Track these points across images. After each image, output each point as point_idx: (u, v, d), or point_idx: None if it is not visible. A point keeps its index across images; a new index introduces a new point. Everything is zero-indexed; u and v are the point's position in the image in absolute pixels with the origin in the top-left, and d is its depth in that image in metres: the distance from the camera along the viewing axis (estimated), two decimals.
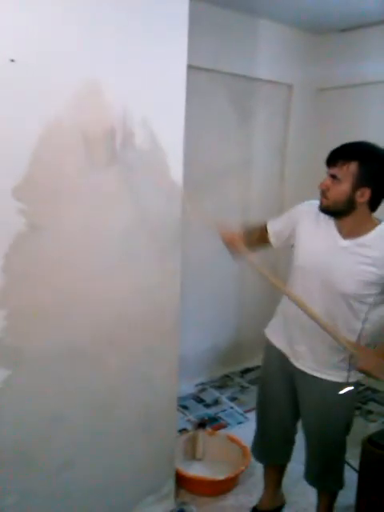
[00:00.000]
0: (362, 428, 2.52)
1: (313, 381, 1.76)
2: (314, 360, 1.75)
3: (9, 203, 1.42)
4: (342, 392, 1.70)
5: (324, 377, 1.74)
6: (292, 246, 1.84)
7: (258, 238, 1.92)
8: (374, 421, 2.89)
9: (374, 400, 3.11)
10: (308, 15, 2.91)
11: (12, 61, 1.34)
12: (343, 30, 3.16)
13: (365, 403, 3.05)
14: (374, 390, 3.17)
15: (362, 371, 1.61)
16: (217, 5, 2.70)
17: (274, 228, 1.91)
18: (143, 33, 1.59)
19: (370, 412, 2.98)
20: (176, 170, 1.78)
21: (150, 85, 1.63)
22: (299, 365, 1.79)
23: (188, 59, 1.71)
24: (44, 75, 1.41)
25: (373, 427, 2.77)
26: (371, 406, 3.05)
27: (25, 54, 1.37)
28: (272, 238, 1.91)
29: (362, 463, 1.77)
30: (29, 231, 1.47)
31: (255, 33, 2.96)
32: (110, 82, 1.53)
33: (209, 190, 2.99)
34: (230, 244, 1.83)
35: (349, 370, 1.70)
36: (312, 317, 1.59)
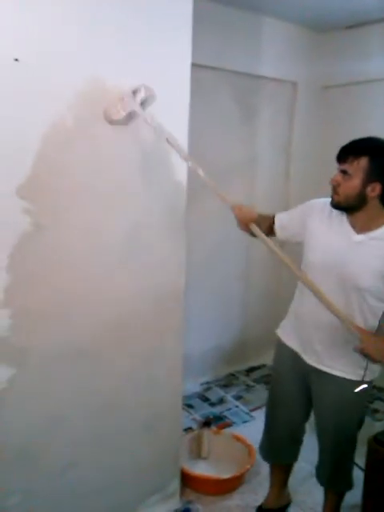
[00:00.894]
0: (368, 427, 2.51)
1: (329, 378, 1.76)
2: (330, 358, 1.75)
3: (13, 202, 1.42)
4: (357, 390, 1.70)
5: (340, 374, 1.74)
6: (299, 242, 1.85)
7: (265, 227, 1.92)
8: (380, 420, 2.88)
9: (380, 399, 3.10)
10: (312, 13, 2.90)
11: (16, 60, 1.35)
12: (348, 28, 3.14)
13: (371, 402, 3.03)
14: (380, 389, 3.16)
15: (362, 353, 1.60)
16: (220, 3, 2.70)
17: (281, 220, 1.93)
18: (147, 32, 1.59)
19: (376, 411, 2.97)
20: (180, 169, 1.77)
21: (153, 83, 1.62)
22: (314, 363, 1.79)
23: (192, 57, 1.71)
24: (46, 75, 1.41)
25: (379, 426, 2.76)
26: (377, 404, 3.04)
27: (27, 54, 1.37)
28: (278, 230, 1.92)
29: (368, 462, 1.76)
30: (33, 230, 1.47)
31: (259, 30, 2.95)
32: (113, 80, 1.53)
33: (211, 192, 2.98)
34: (241, 220, 1.82)
35: (365, 368, 1.69)
36: (320, 297, 1.61)
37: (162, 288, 1.83)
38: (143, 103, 1.56)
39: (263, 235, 1.73)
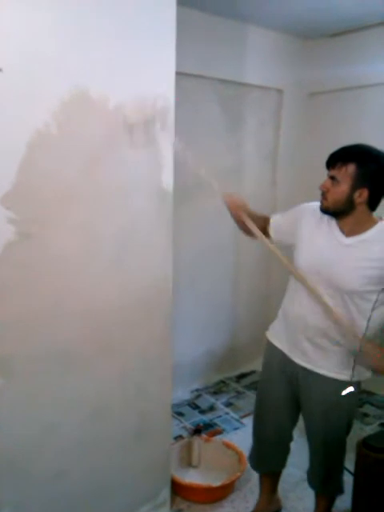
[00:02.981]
0: (357, 431, 2.52)
1: (317, 378, 1.78)
2: (319, 358, 1.76)
3: None
4: (344, 392, 1.73)
5: (329, 374, 1.75)
6: (290, 245, 1.87)
7: (260, 227, 1.93)
8: (369, 424, 2.89)
9: (370, 403, 3.11)
10: (297, 21, 2.93)
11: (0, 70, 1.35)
12: (333, 35, 3.18)
13: (360, 406, 3.05)
14: (370, 393, 3.17)
15: (367, 366, 1.65)
16: (204, 11, 2.72)
17: (276, 222, 1.97)
18: (131, 40, 1.59)
19: (365, 415, 2.98)
20: (167, 175, 1.78)
21: (138, 91, 1.63)
22: (303, 362, 1.80)
23: (177, 66, 1.72)
24: (31, 83, 1.41)
25: (369, 430, 2.77)
26: (367, 408, 3.05)
27: (11, 63, 1.36)
28: (271, 231, 1.96)
29: (357, 466, 1.76)
30: (18, 240, 1.46)
31: (244, 39, 2.98)
32: (97, 89, 1.53)
33: (200, 195, 2.99)
34: (233, 210, 1.89)
35: (353, 369, 1.73)
36: (318, 300, 1.67)
37: (150, 294, 1.83)
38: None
39: (252, 224, 1.79)
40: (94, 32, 1.51)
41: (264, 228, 1.95)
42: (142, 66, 1.64)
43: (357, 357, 1.67)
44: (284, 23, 2.98)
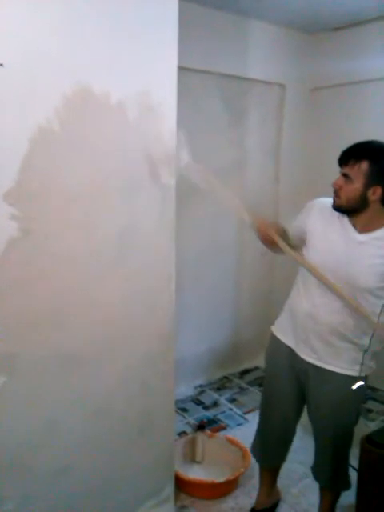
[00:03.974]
0: (362, 427, 2.52)
1: (327, 375, 1.78)
2: (328, 354, 1.76)
3: (0, 209, 1.41)
4: (354, 386, 1.74)
5: (338, 370, 1.75)
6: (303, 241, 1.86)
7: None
8: (373, 419, 2.89)
9: (374, 399, 3.11)
10: (299, 15, 2.91)
11: (0, 65, 1.34)
12: (335, 29, 3.16)
13: (364, 402, 3.04)
14: (374, 389, 3.17)
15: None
16: (206, 6, 2.70)
17: (291, 228, 1.92)
18: (133, 35, 1.58)
19: (369, 411, 2.97)
20: (169, 174, 1.76)
21: (140, 87, 1.63)
22: (312, 359, 1.80)
23: (179, 61, 1.71)
24: (33, 80, 1.40)
25: (373, 426, 2.76)
26: (371, 404, 3.05)
27: (13, 59, 1.36)
28: (292, 235, 1.92)
29: (361, 462, 1.76)
30: (21, 236, 1.46)
31: (246, 33, 2.96)
32: (100, 85, 1.53)
33: (203, 194, 2.98)
34: (263, 234, 1.86)
35: (361, 364, 1.73)
36: (340, 296, 1.67)
37: (153, 292, 1.83)
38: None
39: (283, 242, 1.78)
40: (96, 27, 1.50)
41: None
42: (144, 61, 1.62)
43: (376, 329, 1.68)
44: (286, 17, 2.96)
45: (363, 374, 1.76)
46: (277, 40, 3.14)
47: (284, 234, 1.88)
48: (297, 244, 1.90)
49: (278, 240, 1.79)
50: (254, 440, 2.12)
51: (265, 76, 3.15)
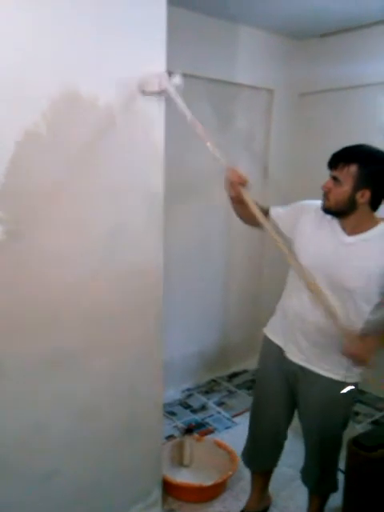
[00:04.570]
0: (349, 430, 2.53)
1: (315, 377, 1.78)
2: (316, 357, 1.77)
3: None
4: (343, 391, 1.75)
5: (326, 374, 1.76)
6: (288, 238, 1.84)
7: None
8: (360, 422, 2.90)
9: (361, 401, 3.13)
10: (287, 22, 2.94)
11: None
12: (323, 36, 3.20)
13: (353, 405, 3.05)
14: (361, 392, 3.19)
15: (346, 355, 1.65)
16: (195, 11, 2.71)
17: (276, 211, 1.93)
18: (121, 39, 1.59)
19: (356, 413, 2.99)
20: (157, 176, 1.77)
21: (129, 90, 1.63)
22: (301, 361, 1.80)
23: (168, 65, 1.72)
24: (20, 82, 1.40)
25: (360, 428, 2.78)
26: (358, 407, 3.06)
27: (0, 61, 1.36)
28: (273, 218, 1.91)
29: (347, 465, 1.77)
30: (8, 239, 1.45)
31: (235, 38, 2.98)
32: (88, 88, 1.53)
33: (192, 196, 2.99)
34: (234, 184, 1.79)
35: (347, 369, 1.73)
36: (311, 288, 1.67)
37: (141, 294, 1.83)
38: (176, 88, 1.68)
39: (252, 203, 1.71)
40: (84, 30, 1.50)
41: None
42: (132, 65, 1.63)
43: (342, 345, 1.66)
44: (274, 23, 2.98)
45: (349, 381, 1.76)
46: (265, 46, 3.16)
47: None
48: (276, 229, 1.86)
49: (249, 202, 1.72)
50: (245, 446, 2.12)
51: (253, 81, 3.17)
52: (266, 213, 1.91)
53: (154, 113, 1.72)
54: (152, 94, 1.69)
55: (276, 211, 1.94)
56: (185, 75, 2.74)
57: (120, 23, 1.58)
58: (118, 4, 1.56)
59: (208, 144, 1.75)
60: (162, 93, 1.70)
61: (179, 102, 1.68)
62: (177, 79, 1.68)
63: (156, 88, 1.67)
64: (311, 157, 3.19)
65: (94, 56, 1.54)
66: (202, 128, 1.73)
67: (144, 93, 1.67)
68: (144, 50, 1.65)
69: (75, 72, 1.51)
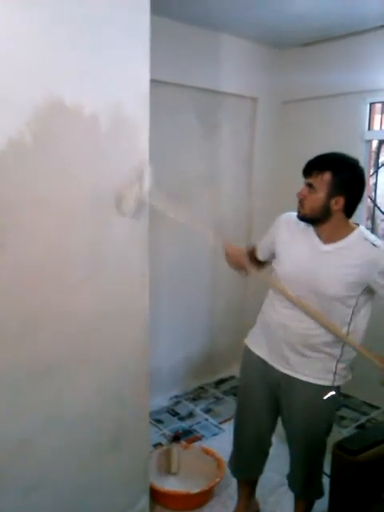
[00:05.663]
0: (334, 434, 2.55)
1: (299, 384, 1.80)
2: (300, 364, 1.78)
3: None
4: (326, 397, 1.77)
5: (310, 380, 1.78)
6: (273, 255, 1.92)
7: (251, 258, 2.02)
8: (346, 427, 2.93)
9: (347, 406, 3.15)
10: (270, 31, 2.98)
11: None
12: (304, 45, 3.25)
13: (337, 409, 3.08)
14: (347, 396, 3.21)
15: None
16: (179, 20, 2.74)
17: (260, 245, 2.03)
18: (105, 48, 1.60)
19: (342, 418, 3.01)
20: (142, 186, 1.77)
21: (113, 99, 1.64)
22: (285, 369, 1.82)
23: (152, 74, 1.73)
24: (4, 91, 1.40)
25: (345, 433, 2.80)
26: (344, 411, 3.09)
27: None
28: (258, 253, 2.02)
29: (332, 468, 1.78)
30: None
31: (219, 47, 3.01)
32: (72, 97, 1.53)
33: (178, 204, 3.00)
34: (233, 260, 1.98)
35: (335, 373, 1.77)
36: (324, 324, 1.72)
37: (126, 304, 1.82)
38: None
39: (251, 268, 1.91)
40: (68, 40, 1.51)
41: (255, 256, 2.03)
42: (116, 74, 1.64)
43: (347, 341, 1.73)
44: (257, 33, 3.03)
45: (336, 384, 1.79)
46: (249, 55, 3.20)
47: (252, 254, 2.00)
48: (268, 259, 1.98)
49: (249, 267, 1.91)
50: (231, 455, 2.13)
51: (237, 89, 3.21)
52: (254, 250, 2.05)
53: (139, 122, 1.73)
54: (130, 210, 1.72)
55: (260, 245, 2.03)
56: (170, 84, 2.79)
57: (104, 33, 1.59)
58: (102, 13, 1.57)
59: (199, 228, 1.93)
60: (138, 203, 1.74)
61: (161, 207, 1.78)
62: (147, 181, 1.72)
63: (132, 206, 1.72)
64: (294, 163, 3.18)
65: (78, 65, 1.55)
66: (190, 217, 1.89)
67: (122, 213, 1.71)
68: (129, 60, 1.67)
69: (60, 81, 1.51)
